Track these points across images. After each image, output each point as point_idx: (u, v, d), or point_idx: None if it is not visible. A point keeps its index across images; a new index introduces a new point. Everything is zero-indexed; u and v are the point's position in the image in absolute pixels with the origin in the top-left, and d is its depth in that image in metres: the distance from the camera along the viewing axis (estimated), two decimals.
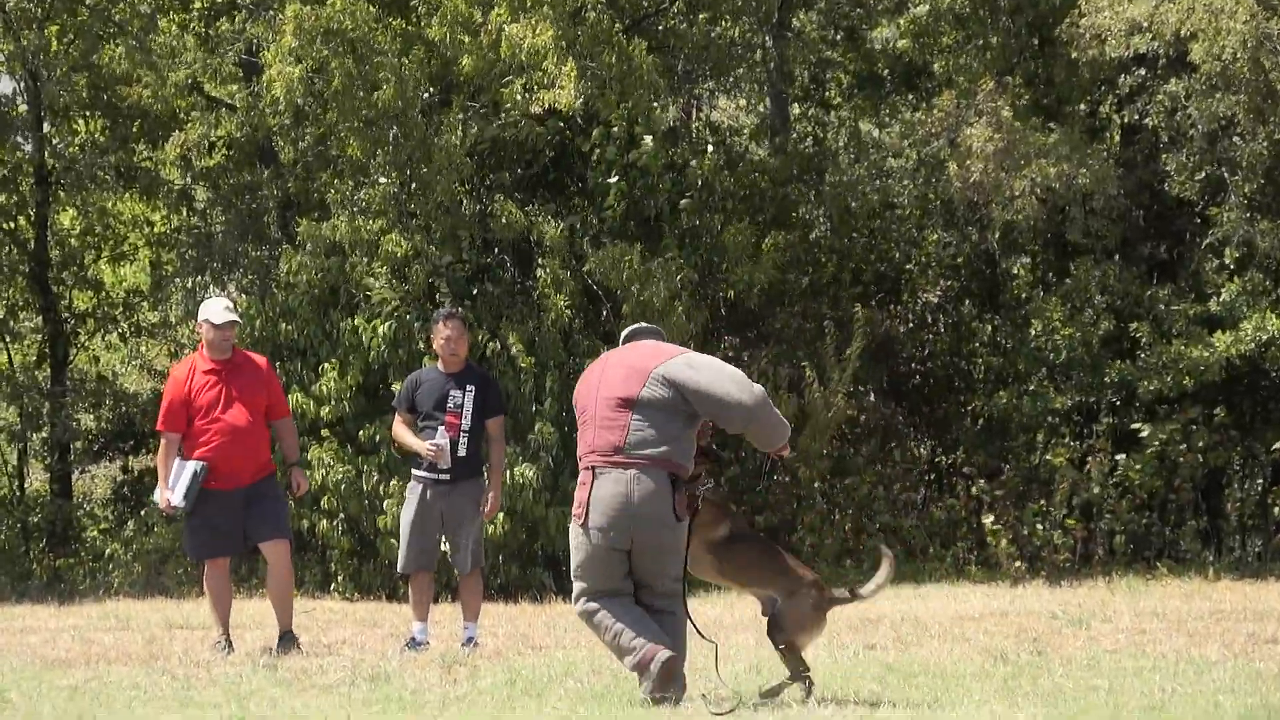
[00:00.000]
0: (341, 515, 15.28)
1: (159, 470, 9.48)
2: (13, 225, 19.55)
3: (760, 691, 7.08)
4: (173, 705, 6.95)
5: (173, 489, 9.34)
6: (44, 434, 19.34)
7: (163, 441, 9.50)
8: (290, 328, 16.00)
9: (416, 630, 9.66)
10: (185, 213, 19.99)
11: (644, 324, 7.68)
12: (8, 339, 20.20)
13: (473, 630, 9.75)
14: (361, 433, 15.33)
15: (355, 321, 15.48)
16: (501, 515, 14.33)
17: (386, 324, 15.32)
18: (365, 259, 15.74)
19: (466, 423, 9.66)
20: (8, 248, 19.55)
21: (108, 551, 17.55)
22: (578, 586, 7.09)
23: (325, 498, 15.10)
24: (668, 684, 6.76)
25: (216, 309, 9.57)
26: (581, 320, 15.97)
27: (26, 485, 19.86)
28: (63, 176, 19.14)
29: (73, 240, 20.30)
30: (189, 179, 19.63)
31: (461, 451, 9.63)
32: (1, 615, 12.91)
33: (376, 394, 15.48)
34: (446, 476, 9.64)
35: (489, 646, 9.66)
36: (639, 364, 7.11)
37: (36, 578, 17.41)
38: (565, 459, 15.00)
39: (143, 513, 17.63)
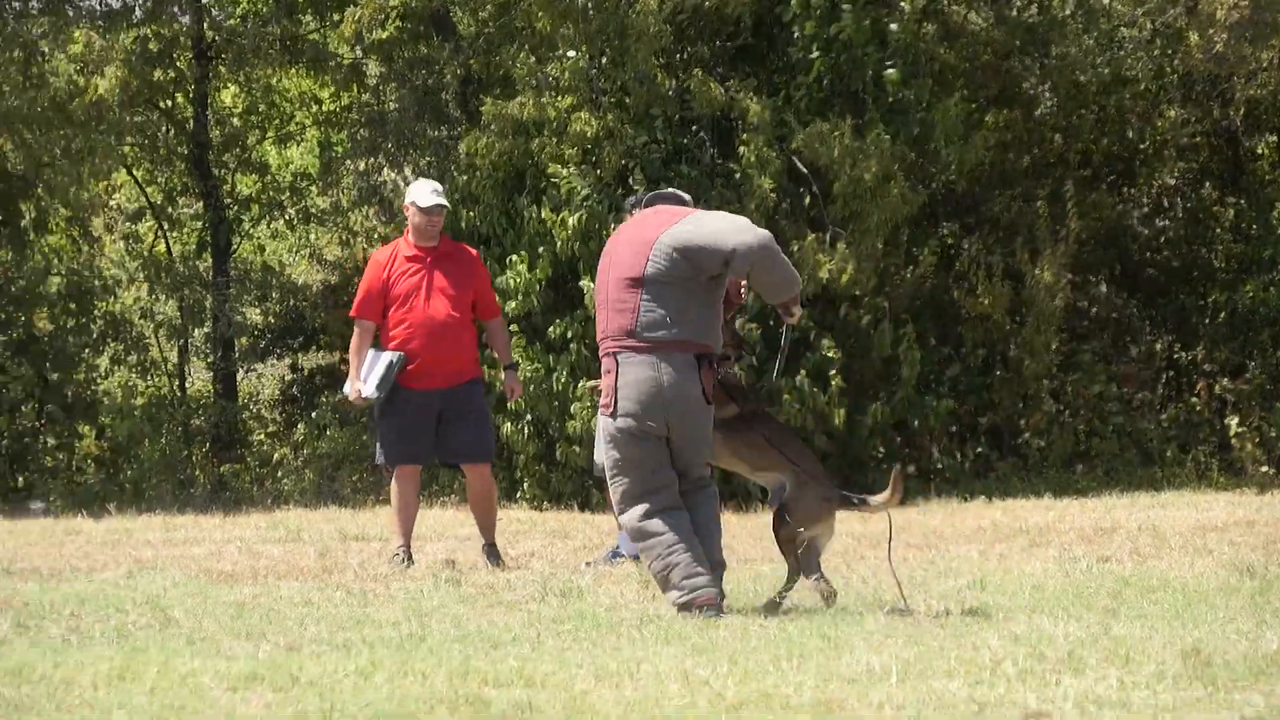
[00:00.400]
0: (529, 418, 15.14)
1: (351, 361, 9.40)
2: (170, 104, 19.60)
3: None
4: (347, 623, 6.86)
5: (365, 380, 9.26)
6: (206, 329, 19.52)
7: (356, 330, 9.43)
8: (472, 214, 15.79)
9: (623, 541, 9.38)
10: (356, 89, 19.81)
11: (665, 189, 7.72)
12: (166, 227, 20.32)
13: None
14: (551, 329, 15.13)
15: (543, 213, 15.26)
16: None
17: (576, 215, 15.08)
18: (553, 139, 15.46)
19: None
20: (165, 128, 19.59)
21: (276, 457, 17.81)
22: (619, 489, 7.07)
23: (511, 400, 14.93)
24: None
25: (423, 191, 9.42)
26: (788, 203, 15.63)
27: (188, 386, 20.02)
28: (223, 50, 19.11)
29: (234, 120, 20.36)
30: (359, 52, 19.50)
31: None
32: (163, 526, 12.95)
33: (566, 288, 15.30)
34: None
35: None
36: (644, 236, 7.10)
37: (200, 486, 17.57)
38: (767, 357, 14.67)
39: (314, 415, 17.73)
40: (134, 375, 19.43)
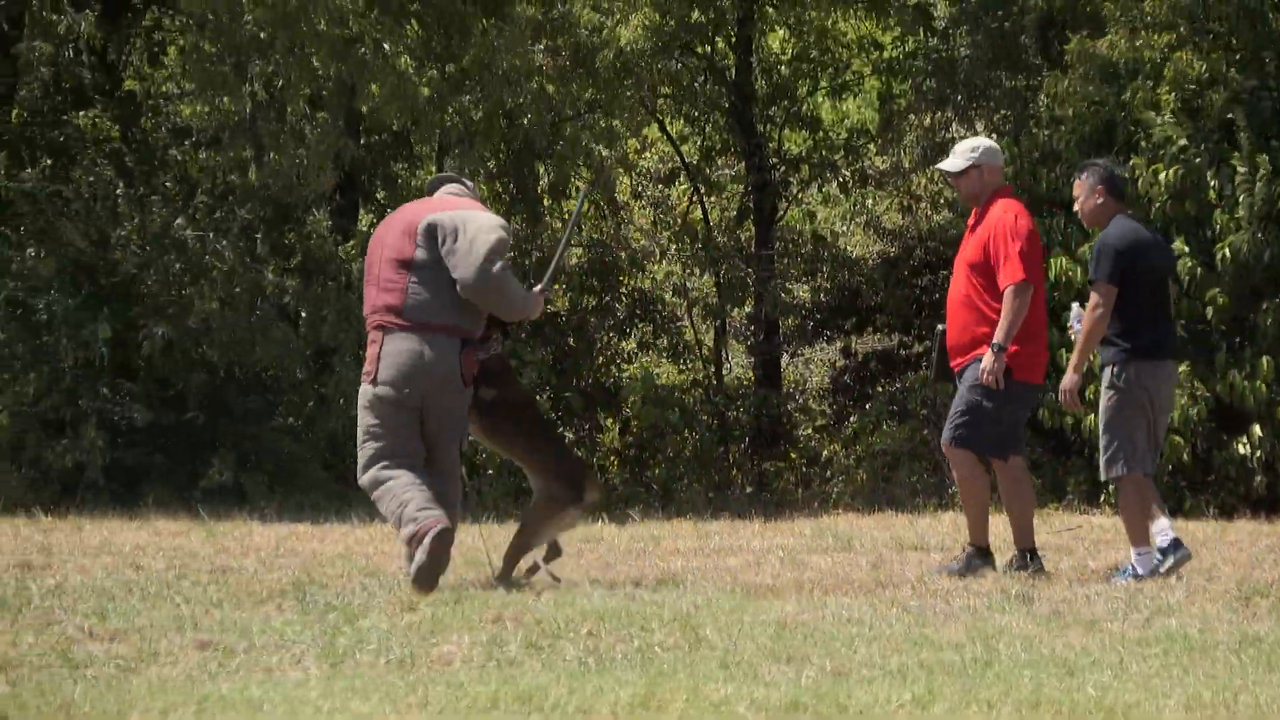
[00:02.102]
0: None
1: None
2: (709, 49, 20.10)
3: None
4: (903, 645, 6.91)
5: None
6: (747, 308, 19.97)
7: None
8: (1053, 175, 15.70)
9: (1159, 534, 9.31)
10: (923, 33, 19.89)
11: (446, 172, 9.47)
12: (703, 190, 20.91)
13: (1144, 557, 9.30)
14: None
15: (1133, 162, 14.99)
16: None
17: (1171, 169, 14.74)
18: (1149, 84, 15.21)
19: None
20: (703, 77, 20.10)
21: (825, 455, 17.94)
22: (367, 453, 8.60)
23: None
24: (437, 560, 8.22)
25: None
26: None
27: (725, 372, 20.44)
28: None
29: (782, 68, 20.73)
30: None
31: None
32: (695, 532, 13.21)
33: None
34: None
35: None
36: (413, 218, 8.67)
37: (738, 486, 17.94)
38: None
39: (868, 406, 17.85)
40: (664, 360, 19.97)
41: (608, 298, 19.60)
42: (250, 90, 16.40)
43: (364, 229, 18.60)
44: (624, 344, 19.90)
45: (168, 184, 17.18)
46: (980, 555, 9.70)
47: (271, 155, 16.45)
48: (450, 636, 7.10)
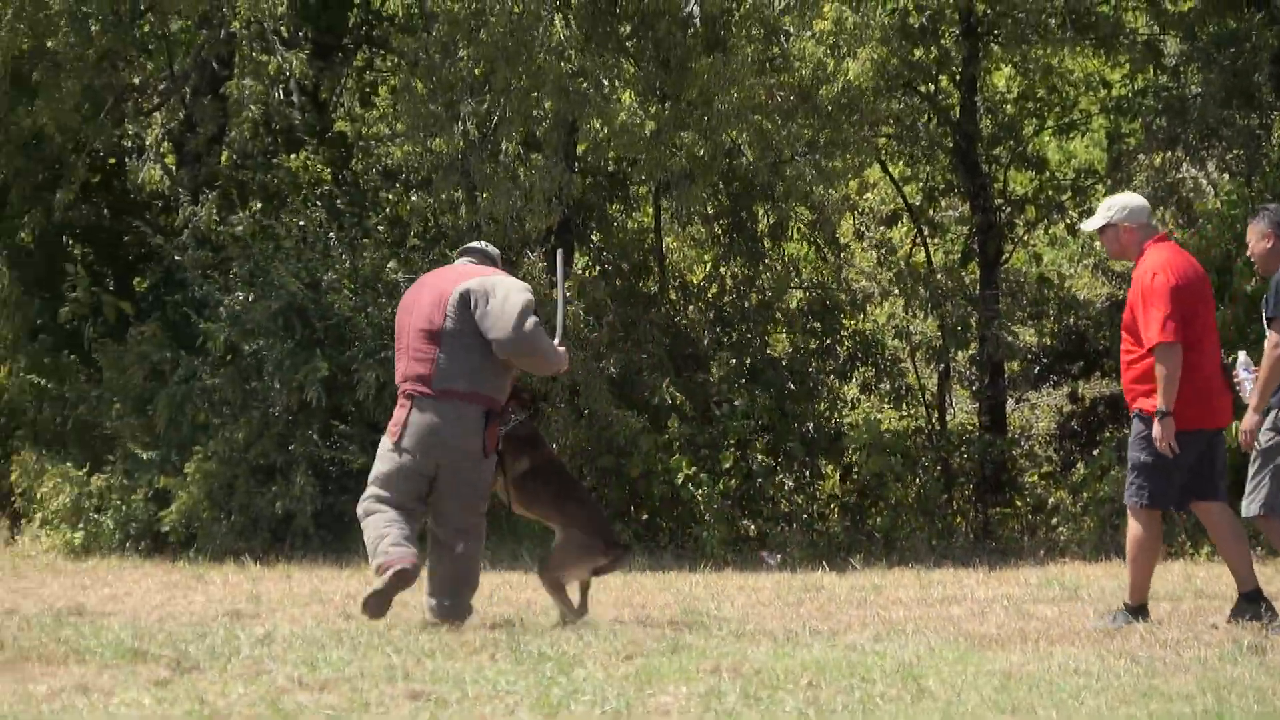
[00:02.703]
0: None
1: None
2: (932, 87, 19.96)
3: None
4: (1131, 696, 6.92)
5: None
6: (970, 352, 19.75)
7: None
8: None
9: None
10: (1153, 70, 19.53)
11: (473, 243, 10.07)
12: (926, 231, 20.78)
13: None
14: None
15: None
16: None
17: None
18: None
19: None
20: (926, 116, 19.97)
21: (1051, 501, 17.70)
22: (370, 489, 9.54)
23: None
24: (391, 592, 9.11)
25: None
26: None
27: (949, 417, 20.30)
28: (997, 25, 19.24)
29: (1008, 107, 20.48)
30: (1157, 27, 19.28)
31: None
32: (917, 580, 13.22)
33: None
34: None
35: None
36: (443, 287, 9.50)
37: (961, 534, 17.79)
38: None
39: (1095, 453, 17.57)
40: (886, 404, 19.85)
41: (829, 341, 19.47)
42: (462, 130, 16.45)
43: (578, 271, 18.73)
44: (845, 388, 19.75)
45: (379, 226, 17.39)
46: (1134, 612, 9.71)
47: (483, 195, 16.48)
48: (667, 687, 7.16)
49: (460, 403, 9.39)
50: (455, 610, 9.48)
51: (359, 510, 9.60)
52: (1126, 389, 9.76)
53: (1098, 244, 20.67)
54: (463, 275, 9.63)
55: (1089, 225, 10.13)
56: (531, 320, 9.38)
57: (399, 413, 9.52)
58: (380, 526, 9.38)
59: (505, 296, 9.41)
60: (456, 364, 9.40)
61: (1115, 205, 9.98)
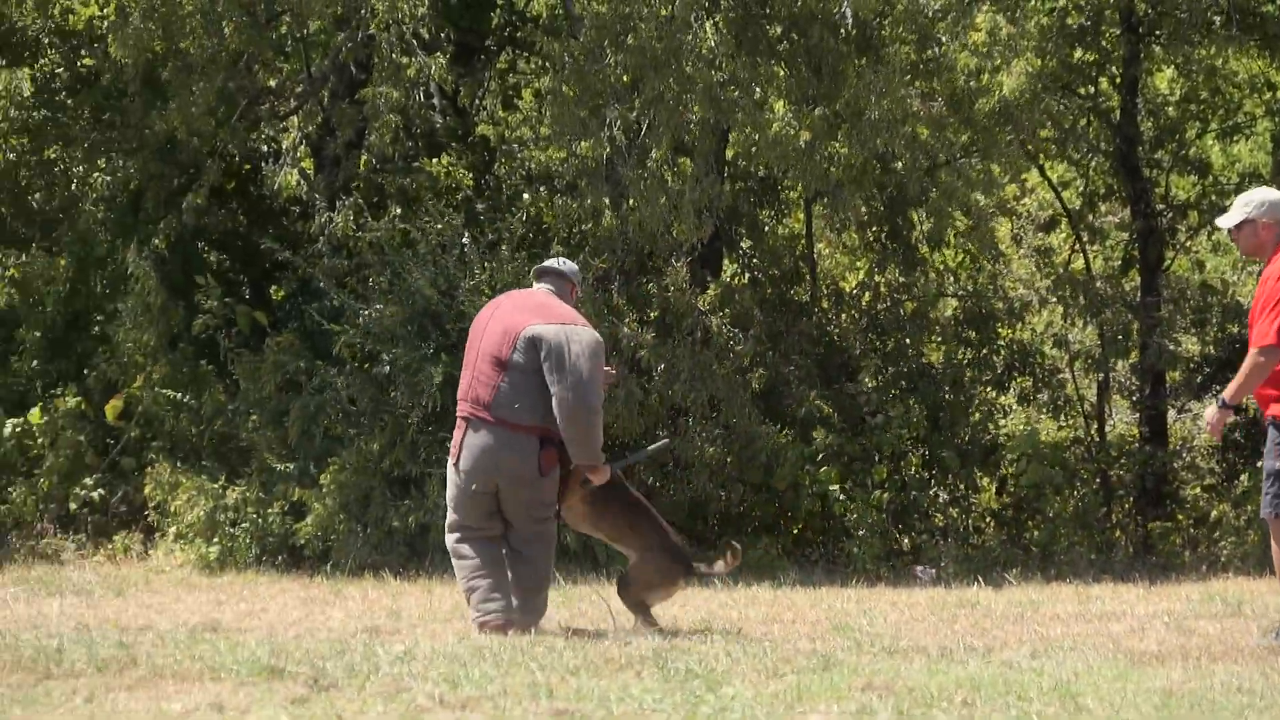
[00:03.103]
0: None
1: None
2: (1093, 89, 19.74)
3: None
4: None
5: None
6: (1131, 360, 19.52)
7: None
8: None
9: None
10: None
11: (550, 263, 10.23)
12: (1085, 238, 20.53)
13: None
14: None
15: None
16: None
17: None
18: None
19: None
20: (1086, 119, 19.76)
21: (1213, 515, 17.52)
22: (450, 518, 9.91)
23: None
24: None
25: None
26: None
27: (1108, 428, 20.03)
28: (1158, 25, 19.03)
29: (1170, 109, 20.26)
30: None
31: None
32: (1076, 597, 13.04)
33: None
34: None
35: None
36: (514, 322, 9.68)
37: (1121, 548, 17.56)
38: None
39: (1259, 464, 17.31)
40: (1044, 415, 19.59)
41: (985, 350, 19.21)
42: (609, 135, 16.29)
43: (726, 279, 18.60)
44: (1002, 399, 19.50)
45: (521, 232, 17.11)
46: None
47: (629, 202, 16.37)
48: (817, 705, 7.08)
49: (516, 432, 9.63)
50: (526, 611, 9.71)
51: (447, 544, 9.98)
52: (1258, 396, 9.52)
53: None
54: (536, 312, 9.79)
55: (1225, 221, 9.86)
56: (597, 396, 9.60)
57: (456, 434, 9.83)
58: (468, 575, 9.76)
59: (578, 357, 9.57)
60: (518, 394, 9.61)
61: (1254, 200, 9.71)
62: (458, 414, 9.84)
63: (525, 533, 9.76)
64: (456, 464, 9.76)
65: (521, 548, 9.78)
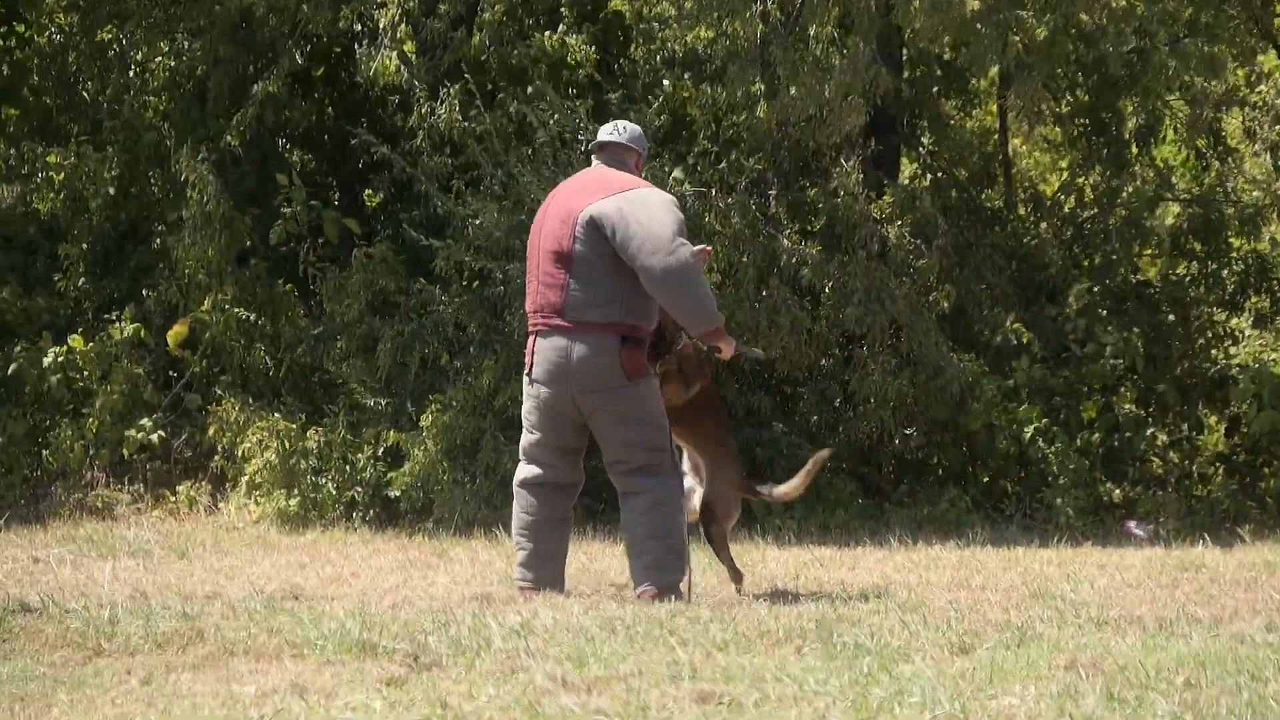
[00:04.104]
0: None
1: None
2: None
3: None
4: None
5: None
6: None
7: None
8: None
9: None
10: None
11: (606, 133, 9.50)
12: None
13: None
14: None
15: None
16: None
17: None
18: None
19: None
20: None
21: None
22: (524, 440, 9.38)
23: None
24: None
25: None
26: None
27: None
28: None
29: None
30: None
31: None
32: None
33: None
34: None
35: None
36: (572, 204, 9.08)
37: None
38: None
39: None
40: None
41: (1213, 265, 17.90)
42: (762, 9, 15.18)
43: (904, 182, 17.48)
44: (1234, 322, 18.21)
45: (659, 125, 15.83)
46: None
47: (787, 90, 15.11)
48: (1012, 686, 6.81)
49: (592, 334, 9.04)
50: (656, 577, 9.18)
51: (516, 481, 9.55)
52: None
53: None
54: (595, 189, 9.15)
55: None
56: (684, 248, 8.89)
57: (530, 341, 9.27)
58: (516, 528, 9.45)
59: (650, 218, 8.93)
60: (589, 292, 9.03)
61: None
62: (529, 325, 9.33)
63: (627, 464, 9.17)
64: (530, 374, 9.25)
65: (631, 491, 9.22)
